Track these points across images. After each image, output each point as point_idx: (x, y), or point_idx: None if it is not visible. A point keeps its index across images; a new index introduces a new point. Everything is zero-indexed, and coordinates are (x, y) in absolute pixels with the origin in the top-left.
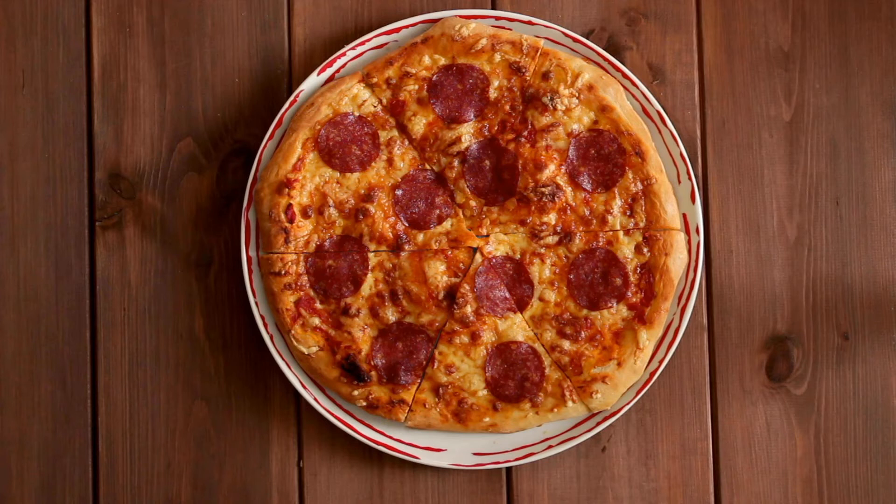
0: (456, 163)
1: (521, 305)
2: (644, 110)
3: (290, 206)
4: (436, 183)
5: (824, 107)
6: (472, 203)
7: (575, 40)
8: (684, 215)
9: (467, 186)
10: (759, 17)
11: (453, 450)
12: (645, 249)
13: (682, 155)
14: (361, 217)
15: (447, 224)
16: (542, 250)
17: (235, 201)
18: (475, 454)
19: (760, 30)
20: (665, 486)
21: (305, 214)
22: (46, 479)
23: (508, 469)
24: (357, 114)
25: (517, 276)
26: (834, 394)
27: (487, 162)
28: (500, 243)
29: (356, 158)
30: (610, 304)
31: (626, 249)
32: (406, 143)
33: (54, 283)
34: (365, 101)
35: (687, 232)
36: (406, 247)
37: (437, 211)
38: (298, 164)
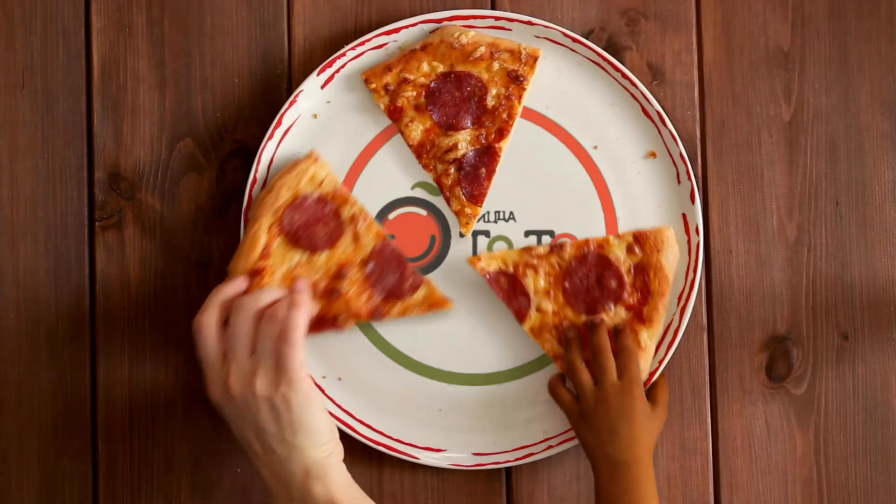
0: (452, 170)
1: (519, 318)
2: (644, 110)
3: None
4: (403, 262)
5: (824, 107)
6: (468, 210)
7: (574, 40)
8: (684, 215)
9: (463, 194)
10: (758, 17)
11: (453, 450)
12: (636, 249)
13: (681, 155)
14: (335, 296)
15: (421, 292)
16: (535, 261)
17: (235, 201)
18: (475, 454)
19: (760, 30)
20: (665, 487)
21: None
22: (46, 479)
23: (508, 469)
24: (317, 194)
25: (512, 289)
26: (834, 394)
27: (483, 170)
28: (492, 259)
29: (323, 237)
30: (607, 307)
31: (617, 251)
32: (369, 217)
33: (54, 283)
34: (323, 179)
35: (686, 232)
36: (381, 318)
37: (410, 280)
38: (266, 251)
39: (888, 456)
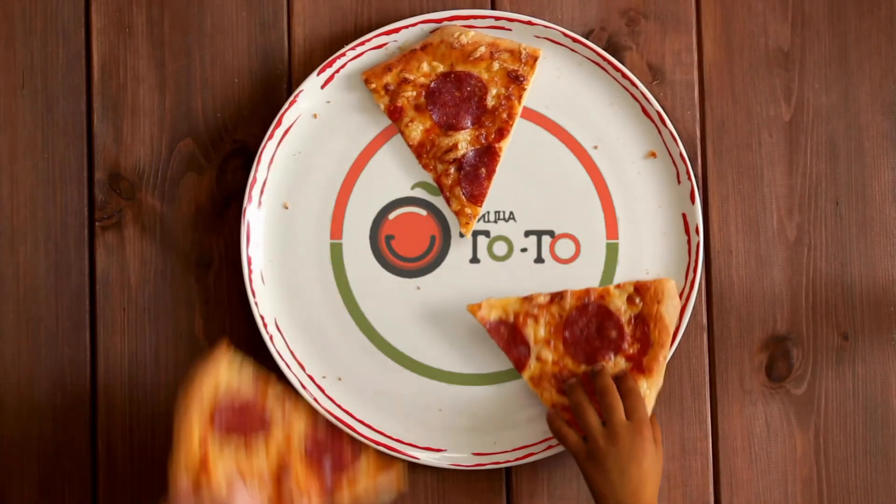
0: (452, 170)
1: (519, 367)
2: (644, 110)
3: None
4: (338, 433)
5: (824, 107)
6: (468, 210)
7: (574, 40)
8: (684, 215)
9: (463, 194)
10: (758, 17)
11: (453, 450)
12: (637, 300)
13: (681, 155)
14: (283, 480)
15: (363, 459)
16: (535, 310)
17: (235, 201)
18: (475, 454)
19: (760, 30)
20: (665, 487)
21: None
22: (46, 479)
23: (508, 469)
24: (238, 388)
25: (512, 339)
26: (834, 394)
27: (483, 170)
28: (492, 308)
29: (256, 422)
30: (607, 357)
31: (618, 301)
32: (290, 401)
33: (54, 283)
34: (239, 376)
35: (686, 232)
36: (335, 494)
37: (349, 447)
38: (202, 444)
39: (888, 456)
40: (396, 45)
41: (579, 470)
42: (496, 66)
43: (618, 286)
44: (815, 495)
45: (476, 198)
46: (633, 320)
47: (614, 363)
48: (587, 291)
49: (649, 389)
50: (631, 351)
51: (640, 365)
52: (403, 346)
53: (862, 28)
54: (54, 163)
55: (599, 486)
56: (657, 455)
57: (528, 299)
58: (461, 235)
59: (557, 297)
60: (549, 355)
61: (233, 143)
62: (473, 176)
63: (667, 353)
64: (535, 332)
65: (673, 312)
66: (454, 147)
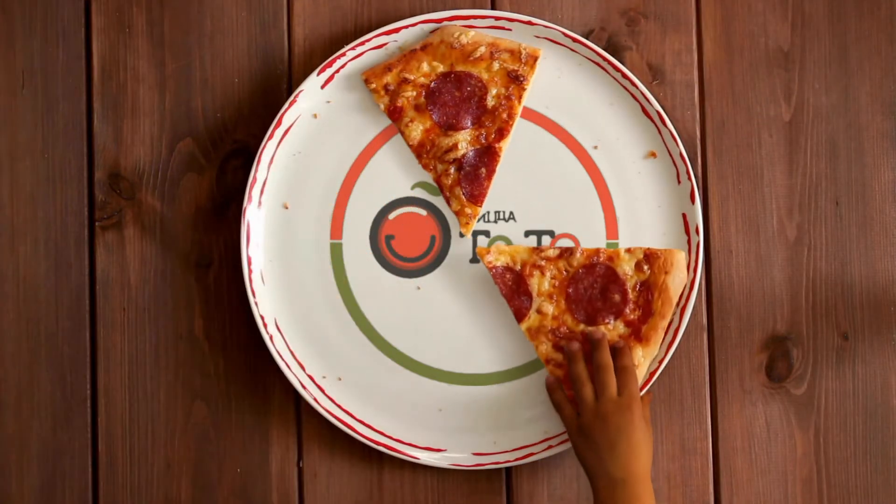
0: (452, 170)
1: (518, 317)
2: (644, 110)
3: None
4: None
5: (824, 107)
6: (468, 210)
7: (574, 40)
8: (684, 215)
9: (463, 194)
10: (758, 17)
11: (453, 450)
12: (645, 267)
13: (681, 155)
14: None
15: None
16: (543, 263)
17: (235, 201)
18: (475, 454)
19: (760, 30)
20: (665, 487)
21: None
22: (46, 479)
23: (508, 469)
24: None
25: (516, 287)
26: (834, 394)
27: (483, 170)
28: (501, 253)
29: None
30: (607, 321)
31: (626, 266)
32: None
33: (54, 283)
34: None
35: (686, 232)
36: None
37: None
38: None
39: (888, 456)
40: (396, 45)
41: (572, 448)
42: (496, 66)
43: (628, 250)
44: (815, 495)
45: (476, 198)
46: (638, 286)
47: (613, 326)
48: (597, 251)
49: (644, 358)
50: (632, 317)
51: (638, 332)
52: (403, 346)
53: (862, 28)
54: (54, 163)
55: (589, 460)
56: (647, 431)
57: (537, 250)
58: (461, 235)
59: (567, 253)
60: (549, 309)
61: (233, 143)
62: (473, 176)
63: (666, 324)
64: (540, 284)
65: (679, 284)
66: (454, 147)
